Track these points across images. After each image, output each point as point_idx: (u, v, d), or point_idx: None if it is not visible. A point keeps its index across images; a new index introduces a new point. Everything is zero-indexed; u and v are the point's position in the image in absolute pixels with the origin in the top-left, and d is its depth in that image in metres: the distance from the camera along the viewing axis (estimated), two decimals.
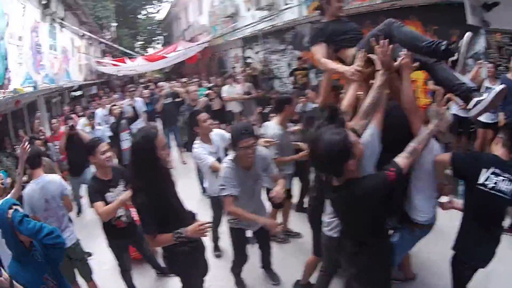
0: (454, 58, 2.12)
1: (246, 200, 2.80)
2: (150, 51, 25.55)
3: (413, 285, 3.25)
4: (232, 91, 8.15)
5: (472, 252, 2.41)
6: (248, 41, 11.99)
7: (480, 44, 5.59)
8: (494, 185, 2.28)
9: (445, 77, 2.24)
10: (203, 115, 3.68)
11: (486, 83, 4.94)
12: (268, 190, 3.08)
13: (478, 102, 2.13)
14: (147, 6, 27.55)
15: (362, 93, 2.38)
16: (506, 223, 3.75)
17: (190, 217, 2.43)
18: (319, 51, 2.59)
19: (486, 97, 2.12)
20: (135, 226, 3.16)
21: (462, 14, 5.21)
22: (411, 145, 2.02)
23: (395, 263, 2.68)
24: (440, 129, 2.37)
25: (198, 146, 3.50)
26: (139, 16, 27.44)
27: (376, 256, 2.11)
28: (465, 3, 5.14)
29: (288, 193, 3.89)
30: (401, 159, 1.96)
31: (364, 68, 2.25)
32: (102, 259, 3.28)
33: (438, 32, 6.05)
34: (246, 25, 10.69)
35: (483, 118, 4.94)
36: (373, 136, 2.10)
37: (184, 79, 11.58)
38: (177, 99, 7.63)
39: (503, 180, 2.27)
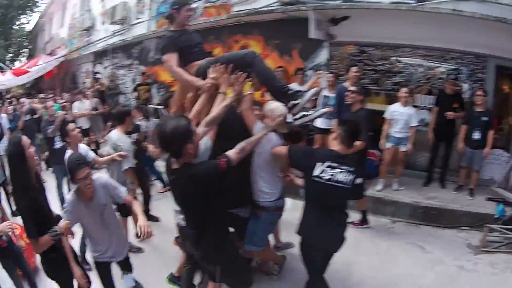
0: (296, 102, 2.45)
1: (100, 232, 2.67)
2: (17, 64, 23.42)
3: (270, 281, 3.27)
4: (82, 106, 8.17)
5: (314, 234, 2.50)
6: (99, 56, 12.05)
7: (323, 56, 5.95)
8: (330, 176, 2.40)
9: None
10: (72, 125, 3.79)
11: (325, 92, 5.21)
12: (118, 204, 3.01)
13: (303, 116, 2.48)
14: (22, 16, 25.18)
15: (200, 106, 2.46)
16: (356, 217, 4.09)
17: (59, 220, 2.55)
18: (171, 61, 2.55)
19: (311, 114, 2.50)
20: (13, 244, 3.18)
21: (304, 28, 5.39)
22: (242, 144, 2.26)
23: (259, 245, 2.85)
24: (275, 127, 2.60)
25: None
26: (13, 27, 25.04)
27: (216, 239, 2.26)
28: (309, 18, 5.32)
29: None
30: (232, 153, 2.15)
31: (216, 81, 2.37)
32: (2, 278, 3.24)
33: (279, 46, 6.34)
34: (99, 39, 10.67)
35: (320, 124, 5.15)
36: (206, 143, 2.35)
37: (41, 95, 11.58)
38: (35, 116, 7.62)
39: (341, 172, 2.41)
